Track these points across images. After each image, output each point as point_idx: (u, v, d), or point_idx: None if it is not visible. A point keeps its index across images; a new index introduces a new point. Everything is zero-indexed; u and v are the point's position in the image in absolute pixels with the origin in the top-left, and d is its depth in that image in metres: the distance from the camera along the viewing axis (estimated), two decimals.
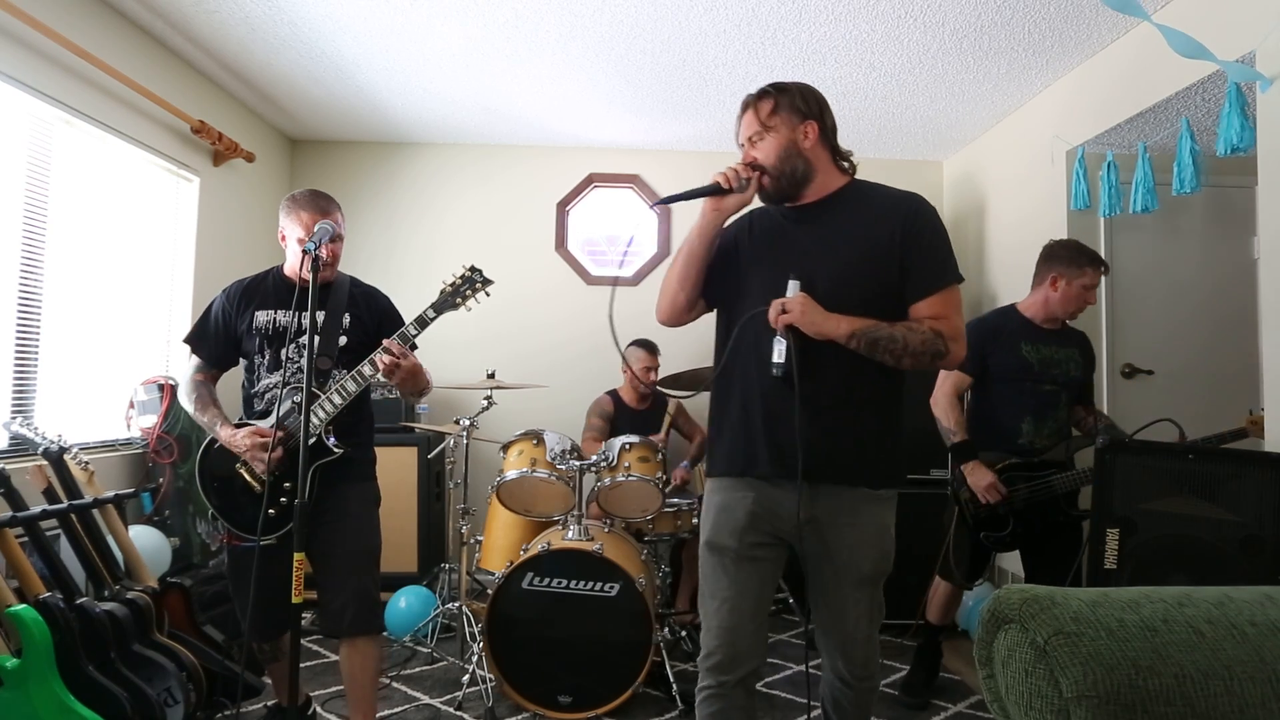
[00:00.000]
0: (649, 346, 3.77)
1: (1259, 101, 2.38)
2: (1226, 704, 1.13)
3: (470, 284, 2.13)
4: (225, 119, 3.74)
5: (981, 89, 3.58)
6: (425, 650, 3.13)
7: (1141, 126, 3.16)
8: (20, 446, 2.54)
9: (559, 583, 2.61)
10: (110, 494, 2.43)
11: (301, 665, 2.58)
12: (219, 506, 2.13)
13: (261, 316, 2.15)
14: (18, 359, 2.64)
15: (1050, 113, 3.57)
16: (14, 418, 2.50)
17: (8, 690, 1.80)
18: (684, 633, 3.19)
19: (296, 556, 1.78)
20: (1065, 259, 2.64)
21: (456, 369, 4.10)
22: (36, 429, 2.44)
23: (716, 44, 3.19)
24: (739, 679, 1.62)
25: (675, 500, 3.20)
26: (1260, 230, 2.44)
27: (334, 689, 2.72)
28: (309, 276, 1.86)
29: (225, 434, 2.08)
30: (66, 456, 2.38)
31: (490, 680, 2.64)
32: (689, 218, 4.56)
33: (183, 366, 2.29)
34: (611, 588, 2.60)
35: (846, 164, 1.72)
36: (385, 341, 2.02)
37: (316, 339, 2.11)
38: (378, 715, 2.28)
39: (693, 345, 4.44)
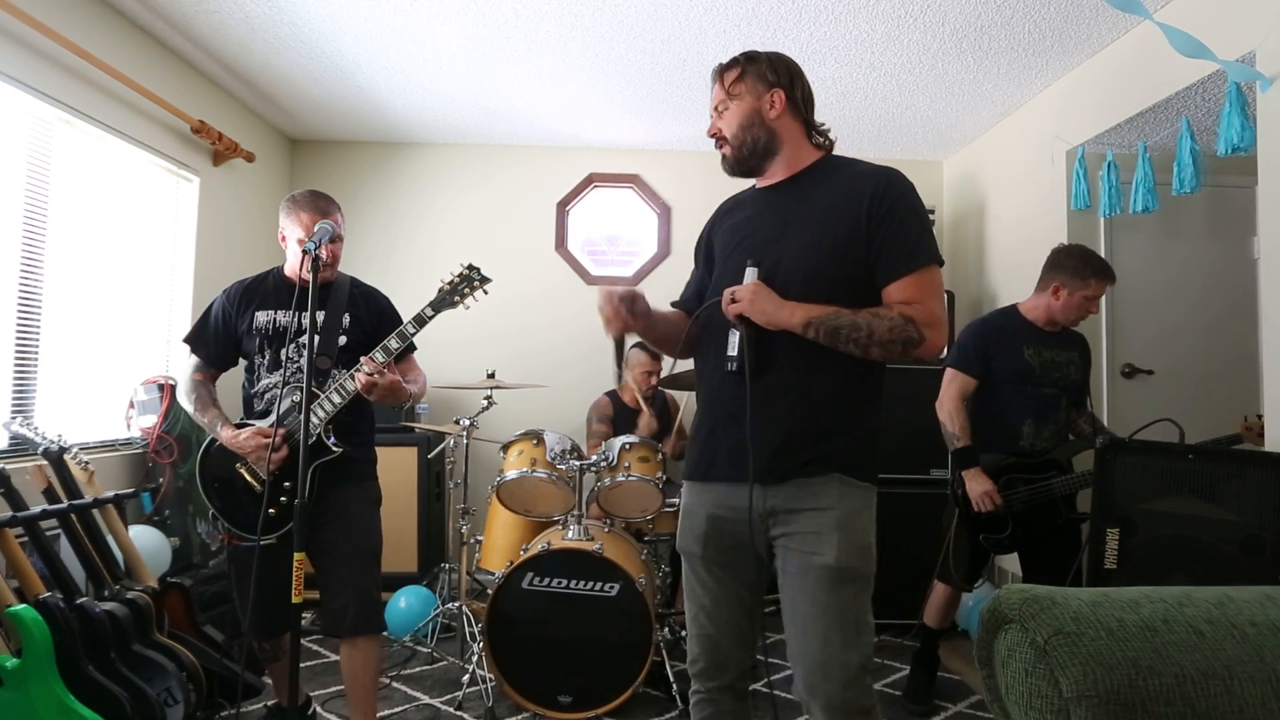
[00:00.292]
0: (651, 351, 3.76)
1: (1259, 101, 2.38)
2: (1226, 704, 1.13)
3: (468, 282, 2.13)
4: (225, 119, 3.74)
5: (981, 89, 3.58)
6: (425, 650, 3.13)
7: (1141, 126, 3.16)
8: (20, 446, 2.54)
9: (559, 583, 2.61)
10: (110, 494, 2.43)
11: (301, 665, 2.59)
12: (220, 507, 2.13)
13: (261, 317, 2.15)
14: (18, 359, 2.64)
15: (1050, 113, 3.57)
16: (14, 418, 2.50)
17: (8, 690, 1.80)
18: (684, 632, 3.18)
19: (296, 556, 1.78)
20: (1070, 270, 2.62)
21: (456, 369, 4.11)
22: (36, 429, 2.44)
23: (716, 44, 3.19)
24: (726, 684, 1.58)
25: (675, 500, 3.20)
26: (1260, 230, 2.44)
27: (334, 689, 2.72)
28: (309, 276, 1.87)
29: (227, 435, 2.08)
30: (66, 456, 2.38)
31: (490, 680, 2.64)
32: (689, 218, 4.59)
33: (182, 366, 2.29)
34: (611, 588, 2.60)
35: (823, 139, 1.61)
36: (362, 359, 2.02)
37: (316, 338, 2.11)
38: (378, 715, 2.28)
39: None
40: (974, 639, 1.45)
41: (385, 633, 3.08)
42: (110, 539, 2.37)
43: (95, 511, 2.36)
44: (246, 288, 2.21)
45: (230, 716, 2.40)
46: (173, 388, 3.12)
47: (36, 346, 2.72)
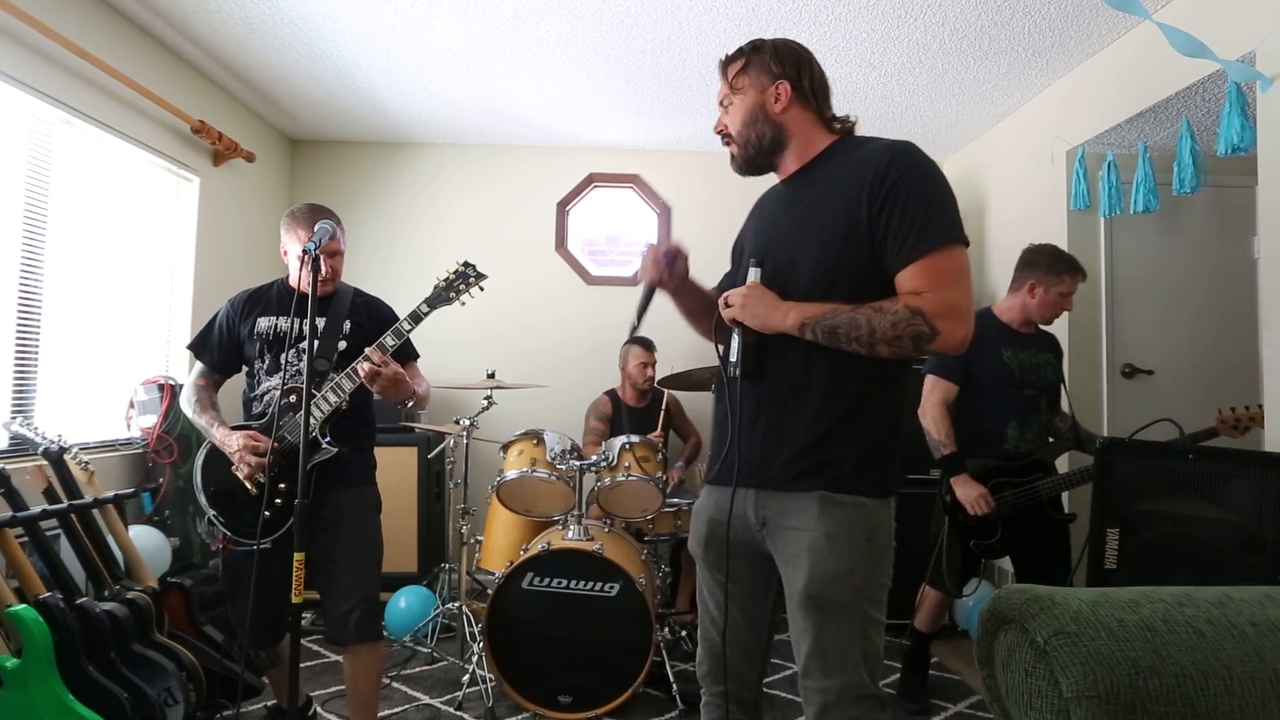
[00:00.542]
0: (645, 343, 3.77)
1: (1259, 101, 2.38)
2: (1226, 704, 1.13)
3: (464, 279, 2.14)
4: (225, 119, 3.74)
5: (981, 89, 3.58)
6: (425, 650, 3.13)
7: (1141, 126, 3.16)
8: (20, 446, 2.54)
9: (559, 583, 2.61)
10: (110, 494, 2.43)
11: (302, 665, 2.59)
12: (216, 511, 2.12)
13: (263, 323, 2.17)
14: (18, 359, 2.64)
15: (1050, 113, 3.57)
16: (14, 418, 2.50)
17: (8, 690, 1.80)
18: (684, 633, 3.19)
19: (297, 556, 1.78)
20: (1045, 267, 2.64)
21: (456, 369, 4.11)
22: (36, 429, 2.44)
23: (716, 44, 3.19)
24: (731, 691, 1.54)
25: (675, 500, 3.20)
26: (1260, 230, 2.44)
27: (334, 689, 2.72)
28: (309, 280, 1.87)
29: (219, 435, 2.09)
30: (66, 456, 2.38)
31: (490, 680, 2.64)
32: (689, 218, 4.59)
33: (187, 373, 2.30)
34: (611, 588, 2.60)
35: (839, 124, 1.50)
36: (367, 350, 2.02)
37: (316, 343, 2.11)
38: (378, 715, 2.27)
39: (694, 344, 4.45)
40: (974, 639, 1.45)
41: (385, 634, 3.08)
42: (110, 539, 2.37)
43: (95, 511, 2.36)
44: (251, 296, 2.24)
45: (230, 716, 2.40)
46: (173, 388, 3.12)
47: (36, 346, 2.72)
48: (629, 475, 2.83)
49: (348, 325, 2.19)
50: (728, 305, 1.43)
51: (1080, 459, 2.81)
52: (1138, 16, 2.43)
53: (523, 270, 4.50)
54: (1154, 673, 1.16)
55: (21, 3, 2.45)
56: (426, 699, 2.71)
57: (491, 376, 3.17)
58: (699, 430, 3.99)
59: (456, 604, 3.04)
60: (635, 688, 2.58)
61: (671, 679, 2.69)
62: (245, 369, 2.23)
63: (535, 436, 2.97)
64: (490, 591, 2.64)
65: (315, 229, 2.00)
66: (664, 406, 3.73)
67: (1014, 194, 3.91)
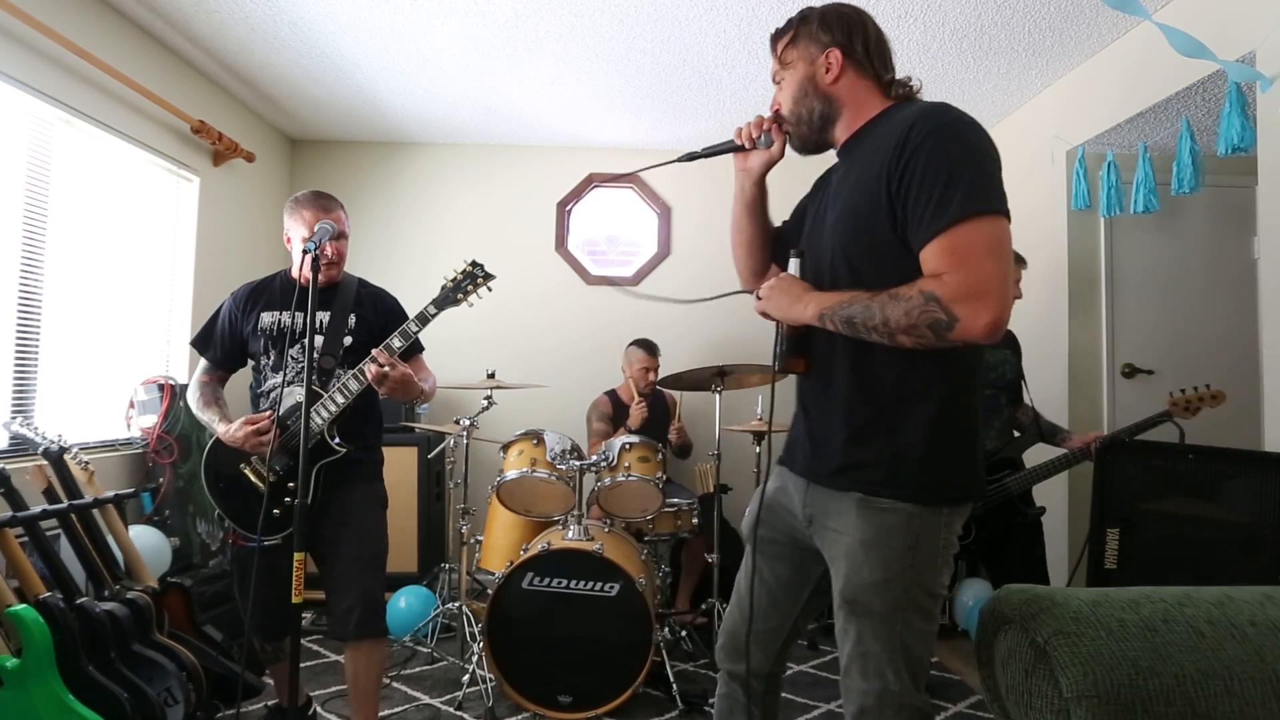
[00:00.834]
0: (649, 347, 3.76)
1: (1259, 101, 2.38)
2: (1226, 704, 1.13)
3: (471, 279, 2.12)
4: (225, 119, 3.74)
5: (981, 89, 3.58)
6: (425, 650, 3.13)
7: (1141, 126, 3.16)
8: (20, 446, 2.54)
9: (559, 583, 2.61)
10: (110, 494, 2.43)
11: (302, 665, 2.59)
12: (224, 507, 2.13)
13: (267, 318, 2.16)
14: (18, 359, 2.64)
15: (1050, 113, 3.57)
16: (14, 418, 2.50)
17: (8, 690, 1.80)
18: (684, 633, 3.19)
19: (297, 556, 1.78)
20: None
21: (456, 369, 4.10)
22: (36, 429, 2.44)
23: (716, 44, 3.20)
24: (739, 674, 1.50)
25: (675, 500, 3.20)
26: (1260, 230, 2.44)
27: (334, 689, 2.72)
28: (310, 276, 1.86)
29: (222, 429, 2.09)
30: (66, 456, 2.38)
31: (490, 680, 2.64)
32: (689, 218, 4.59)
33: (192, 367, 2.29)
34: (611, 588, 2.60)
35: (900, 89, 1.39)
36: (374, 351, 2.02)
37: (320, 339, 2.11)
38: (378, 717, 2.27)
39: (694, 345, 4.45)
40: (974, 639, 1.45)
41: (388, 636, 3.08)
42: (110, 539, 2.37)
43: (95, 511, 2.36)
44: (253, 289, 2.22)
45: (230, 716, 2.40)
46: (173, 388, 3.12)
47: (36, 346, 2.72)
48: (629, 475, 2.83)
49: (353, 319, 2.18)
50: (758, 298, 1.40)
51: (1049, 451, 2.81)
52: (1138, 17, 2.43)
53: (523, 270, 4.50)
54: (1154, 673, 1.16)
55: (21, 3, 2.45)
56: (426, 699, 2.71)
57: (491, 376, 3.17)
58: (700, 429, 3.99)
59: (456, 604, 3.04)
60: (635, 688, 2.58)
61: (671, 679, 2.69)
62: (251, 363, 2.23)
63: (535, 436, 2.97)
64: (490, 591, 2.63)
65: (316, 228, 2.00)
66: (677, 414, 3.74)
67: (1014, 194, 3.85)
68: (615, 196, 4.70)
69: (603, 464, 2.88)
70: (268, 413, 2.05)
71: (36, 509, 2.15)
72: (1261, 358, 2.43)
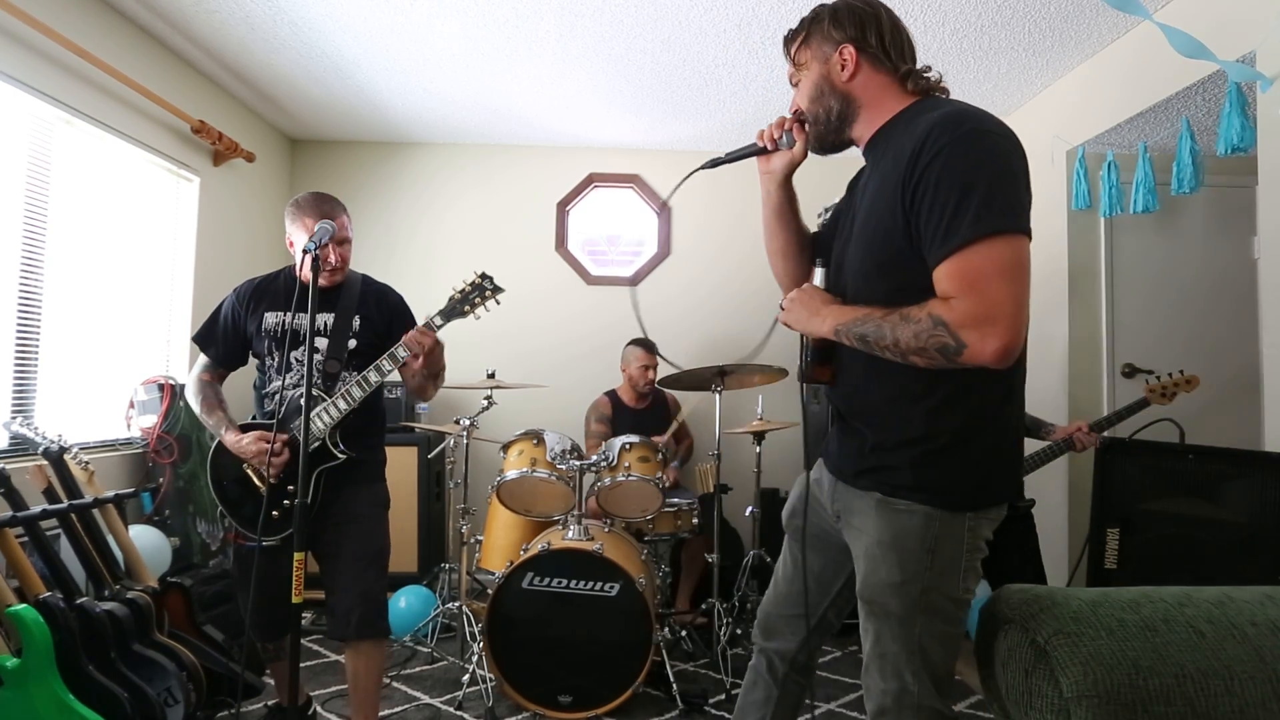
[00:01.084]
0: (647, 346, 3.76)
1: (1259, 101, 2.38)
2: (1226, 704, 1.13)
3: (480, 291, 2.09)
4: (225, 119, 3.74)
5: (981, 89, 3.58)
6: (425, 650, 3.13)
7: (1141, 126, 3.16)
8: (20, 446, 2.54)
9: (559, 582, 2.61)
10: (110, 494, 2.43)
11: (302, 665, 2.59)
12: (227, 506, 2.13)
13: (271, 318, 2.14)
14: (18, 359, 2.64)
15: (1050, 113, 3.57)
16: (14, 418, 2.49)
17: (8, 690, 1.80)
18: (684, 633, 3.19)
19: (296, 556, 1.77)
20: None
21: (456, 369, 4.08)
22: (36, 429, 2.44)
23: (716, 44, 3.20)
24: (773, 649, 1.56)
25: (675, 500, 3.20)
26: (1260, 230, 2.44)
27: (334, 689, 2.72)
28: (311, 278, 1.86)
29: (230, 439, 2.08)
30: (66, 456, 2.38)
31: (490, 680, 2.64)
32: (689, 218, 4.59)
33: (192, 365, 2.28)
34: (611, 588, 2.60)
35: (923, 81, 1.33)
36: (404, 338, 2.02)
37: (324, 342, 2.10)
38: (378, 716, 2.27)
39: (694, 346, 4.45)
40: (974, 639, 1.45)
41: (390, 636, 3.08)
42: (110, 539, 2.37)
43: (95, 511, 2.36)
44: (257, 287, 2.20)
45: (230, 716, 2.40)
46: (173, 388, 3.12)
47: (36, 346, 2.72)
48: (629, 475, 2.83)
49: (357, 321, 2.16)
50: (782, 308, 1.40)
51: (1032, 444, 2.82)
52: (1138, 17, 2.43)
53: (523, 270, 4.50)
54: (1154, 673, 1.16)
55: (21, 3, 2.45)
56: (426, 699, 2.71)
57: (491, 376, 3.17)
58: (691, 434, 4.00)
59: (456, 604, 3.04)
60: (635, 688, 2.58)
61: (671, 679, 2.69)
62: (255, 362, 2.22)
63: (535, 436, 2.97)
64: (490, 591, 2.63)
65: (315, 229, 1.99)
66: (678, 415, 3.75)
67: None
68: (615, 196, 4.70)
69: (603, 464, 2.88)
70: (280, 436, 2.03)
71: (36, 509, 2.15)
72: (1262, 358, 2.43)
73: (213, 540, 3.18)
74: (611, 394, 3.82)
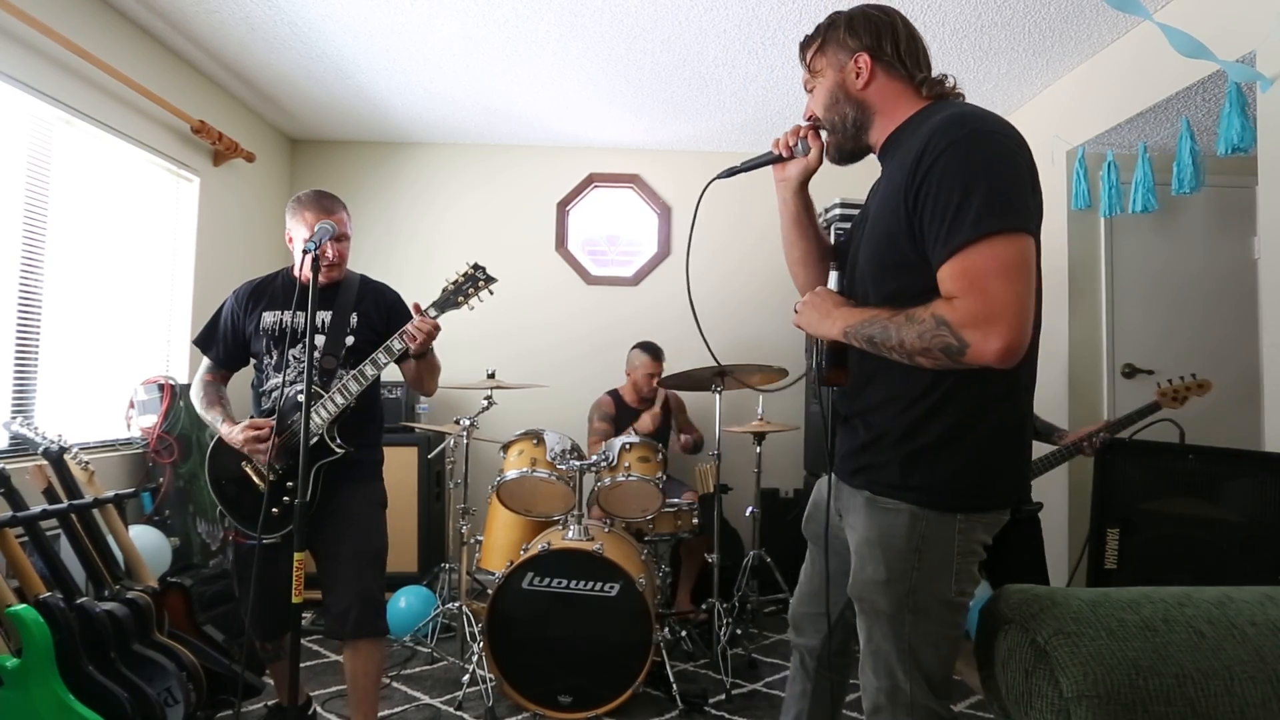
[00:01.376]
0: (653, 351, 3.75)
1: (1259, 101, 2.38)
2: (1226, 704, 1.13)
3: (473, 282, 2.11)
4: (225, 119, 3.74)
5: (981, 89, 3.58)
6: (425, 650, 3.13)
7: (1141, 126, 3.16)
8: (20, 446, 2.54)
9: (559, 582, 2.61)
10: (110, 494, 2.43)
11: (302, 665, 2.58)
12: (226, 504, 2.13)
13: (269, 317, 2.16)
14: (18, 359, 2.64)
15: (1050, 113, 3.57)
16: (14, 418, 2.49)
17: (8, 690, 1.80)
18: (684, 632, 3.19)
19: (296, 556, 1.78)
20: None
21: (456, 369, 4.10)
22: (36, 429, 2.44)
23: (716, 44, 3.20)
24: (803, 646, 1.60)
25: (675, 500, 3.20)
26: (1260, 230, 2.44)
27: (334, 689, 2.72)
28: (310, 277, 1.86)
29: (225, 430, 2.10)
30: (66, 456, 2.38)
31: (490, 680, 2.64)
32: (689, 218, 4.58)
33: (192, 365, 2.29)
34: (611, 588, 2.60)
35: (937, 88, 1.34)
36: (410, 324, 2.03)
37: (322, 339, 2.11)
38: (378, 716, 2.27)
39: (694, 345, 4.44)
40: (974, 639, 1.45)
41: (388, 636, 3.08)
42: (110, 539, 2.37)
43: (95, 511, 2.36)
44: (255, 288, 2.22)
45: (230, 716, 2.40)
46: (173, 388, 3.12)
47: (36, 346, 2.72)
48: (629, 475, 2.83)
49: (354, 319, 2.17)
50: (796, 311, 1.42)
51: (1041, 447, 2.81)
52: (1138, 17, 2.44)
53: (523, 270, 4.50)
54: (1154, 673, 1.16)
55: (21, 3, 2.45)
56: (426, 699, 2.71)
57: (491, 376, 3.17)
58: (700, 428, 3.99)
59: (456, 604, 3.04)
60: (635, 688, 2.58)
61: (671, 679, 2.69)
62: (254, 362, 2.23)
63: (535, 436, 2.97)
64: (490, 591, 2.63)
65: (315, 229, 1.99)
66: (670, 409, 3.75)
67: None
68: (615, 196, 4.70)
69: (603, 464, 2.88)
70: (269, 419, 2.04)
71: (36, 509, 2.15)
72: (1261, 358, 2.43)
73: (213, 540, 3.18)
74: (614, 393, 3.82)
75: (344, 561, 2.08)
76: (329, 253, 2.09)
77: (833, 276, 1.40)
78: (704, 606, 3.14)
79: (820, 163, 1.46)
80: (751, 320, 4.51)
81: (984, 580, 3.10)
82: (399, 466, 3.68)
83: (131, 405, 3.14)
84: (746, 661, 3.06)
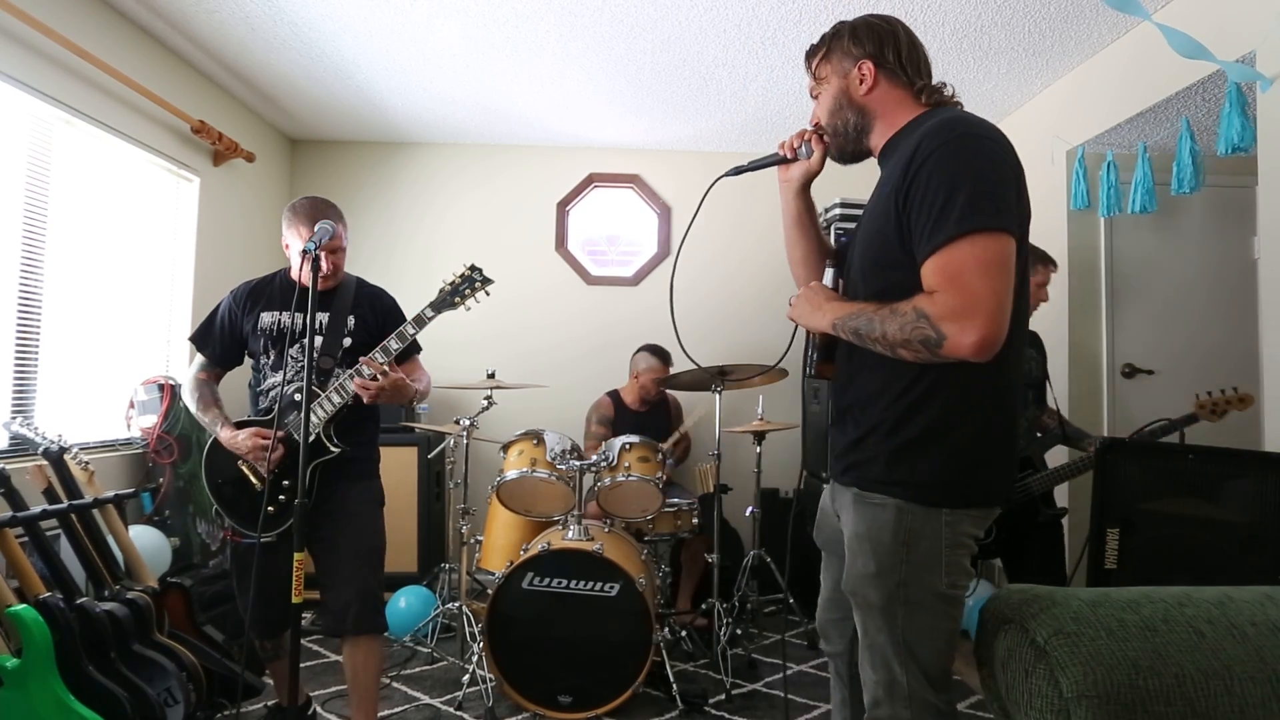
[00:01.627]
0: (662, 355, 3.73)
1: (1259, 101, 2.38)
2: (1226, 704, 1.13)
3: (470, 283, 2.12)
4: (225, 119, 3.74)
5: (981, 89, 3.58)
6: (425, 650, 3.13)
7: (1141, 126, 3.16)
8: (20, 446, 2.54)
9: (559, 583, 2.61)
10: (110, 494, 2.43)
11: (301, 665, 2.58)
12: (223, 503, 2.14)
13: (267, 318, 2.17)
14: (18, 359, 2.64)
15: (1050, 113, 3.57)
16: (14, 418, 2.50)
17: (8, 690, 1.80)
18: (684, 633, 3.19)
19: (296, 556, 1.78)
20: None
21: (456, 369, 4.11)
22: (36, 429, 2.44)
23: (716, 44, 3.20)
24: (833, 653, 1.61)
25: (675, 500, 3.20)
26: (1260, 230, 2.44)
27: (334, 689, 2.72)
28: (309, 279, 1.87)
29: (225, 435, 2.10)
30: (66, 456, 2.38)
31: (490, 680, 2.64)
32: (689, 218, 4.58)
33: (188, 365, 2.30)
34: (611, 588, 2.60)
35: (936, 95, 1.39)
36: (361, 360, 2.02)
37: (319, 339, 2.12)
38: (378, 715, 2.28)
39: (695, 345, 4.44)
40: (974, 639, 1.45)
41: (386, 633, 3.08)
42: (110, 539, 2.37)
43: (95, 511, 2.36)
44: (253, 289, 2.23)
45: (230, 716, 2.40)
46: (173, 388, 3.12)
47: (36, 346, 2.72)
48: (629, 475, 2.83)
49: (351, 320, 2.19)
50: (790, 305, 1.47)
51: (1066, 452, 2.82)
52: (1137, 17, 2.43)
53: (523, 270, 4.50)
54: (1154, 673, 1.16)
55: (21, 3, 2.45)
56: (426, 699, 2.71)
57: (491, 376, 3.17)
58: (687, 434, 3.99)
59: (456, 604, 3.04)
60: (635, 688, 2.58)
61: (671, 679, 2.69)
62: (251, 361, 2.24)
63: (535, 436, 2.97)
64: (490, 591, 2.63)
65: (315, 229, 2.00)
66: (677, 417, 3.75)
67: None
68: (615, 196, 4.70)
69: (603, 464, 2.88)
70: (278, 432, 2.04)
71: (36, 509, 2.15)
72: (1261, 358, 2.43)
73: (212, 540, 3.18)
74: (614, 394, 3.81)
75: (342, 559, 2.08)
76: (324, 265, 2.08)
77: (828, 273, 1.46)
78: (703, 607, 3.14)
79: (822, 167, 1.51)
80: (752, 320, 4.51)
81: (985, 580, 3.11)
82: (399, 466, 3.68)
83: (131, 405, 3.14)
84: (746, 661, 3.06)
